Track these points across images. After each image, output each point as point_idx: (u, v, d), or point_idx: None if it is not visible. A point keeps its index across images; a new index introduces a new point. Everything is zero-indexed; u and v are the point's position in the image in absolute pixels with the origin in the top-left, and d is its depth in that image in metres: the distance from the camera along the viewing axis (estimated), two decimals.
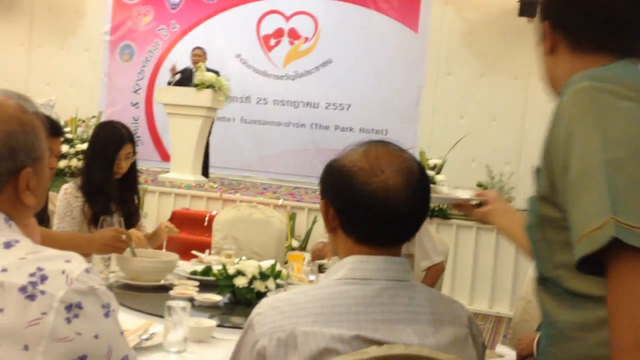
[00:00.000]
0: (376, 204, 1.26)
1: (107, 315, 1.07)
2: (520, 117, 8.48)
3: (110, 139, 3.01)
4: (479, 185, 6.17)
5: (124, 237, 2.44)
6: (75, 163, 6.64)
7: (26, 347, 0.98)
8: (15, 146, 1.12)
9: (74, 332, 1.01)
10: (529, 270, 3.06)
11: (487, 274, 5.94)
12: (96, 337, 1.04)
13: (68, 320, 1.01)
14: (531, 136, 8.42)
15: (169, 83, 7.61)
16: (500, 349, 2.78)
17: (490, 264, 5.94)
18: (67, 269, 1.04)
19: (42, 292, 1.01)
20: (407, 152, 1.35)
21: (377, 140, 1.35)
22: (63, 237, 2.57)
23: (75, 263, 1.06)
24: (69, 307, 1.01)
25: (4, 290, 1.00)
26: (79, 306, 1.02)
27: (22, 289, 1.00)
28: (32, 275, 1.02)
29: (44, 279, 1.02)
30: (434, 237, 3.38)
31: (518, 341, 2.31)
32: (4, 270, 1.02)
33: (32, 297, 1.00)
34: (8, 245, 1.07)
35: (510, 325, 3.41)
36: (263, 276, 2.39)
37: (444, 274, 3.45)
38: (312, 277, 2.42)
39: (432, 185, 1.36)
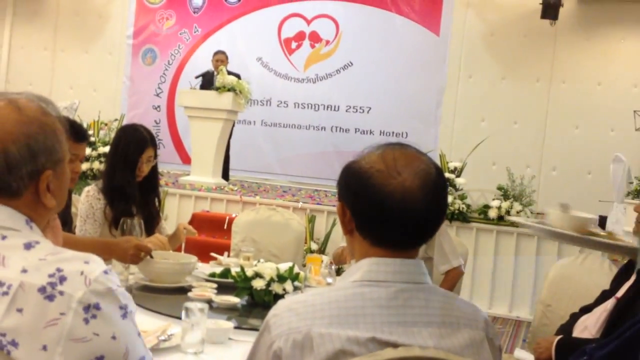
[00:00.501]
0: (392, 206, 1.26)
1: (124, 316, 1.08)
2: (541, 120, 8.42)
3: (133, 142, 3.03)
4: (499, 188, 6.13)
5: (142, 254, 2.46)
6: (98, 166, 6.71)
7: (45, 347, 0.99)
8: (36, 149, 1.13)
9: (91, 333, 1.02)
10: (549, 275, 3.04)
11: (507, 278, 5.90)
12: (114, 337, 1.05)
13: (86, 320, 1.02)
14: (553, 139, 8.36)
15: (200, 76, 7.59)
16: (519, 353, 2.76)
17: (510, 268, 5.89)
18: (85, 270, 1.06)
19: (61, 293, 1.02)
20: (424, 154, 1.35)
21: (395, 143, 1.35)
22: (84, 241, 2.60)
23: (94, 264, 1.08)
24: (87, 308, 1.03)
25: (23, 291, 1.01)
26: (96, 307, 1.03)
27: (42, 290, 1.02)
28: (51, 276, 1.03)
29: (63, 279, 1.03)
30: (453, 240, 3.36)
31: (536, 345, 2.29)
32: (24, 270, 1.03)
33: (51, 298, 1.01)
34: (28, 246, 1.08)
35: (529, 329, 3.38)
36: (281, 278, 2.40)
37: (462, 278, 3.43)
38: (329, 280, 2.43)
39: (564, 205, 1.33)
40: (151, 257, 2.53)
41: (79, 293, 1.03)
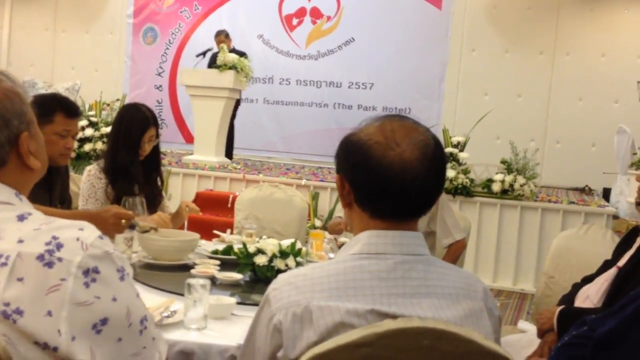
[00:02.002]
0: (391, 177, 1.26)
1: (122, 278, 1.10)
2: (545, 92, 8.38)
3: (134, 122, 3.03)
4: (503, 162, 6.12)
5: (124, 222, 2.41)
6: (101, 146, 6.71)
7: (49, 313, 1.01)
8: (7, 115, 1.14)
9: (93, 296, 1.04)
10: (552, 246, 3.04)
11: (511, 251, 5.91)
12: (114, 299, 1.07)
13: (86, 284, 1.04)
14: (557, 112, 8.32)
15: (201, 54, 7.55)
16: (523, 324, 2.78)
17: (514, 241, 5.90)
18: (81, 236, 1.07)
19: (60, 259, 1.03)
20: (422, 125, 1.34)
21: (393, 115, 1.34)
22: (65, 215, 2.57)
23: (89, 230, 1.09)
24: (86, 272, 1.04)
25: (22, 260, 1.03)
26: (95, 270, 1.05)
27: (40, 257, 1.03)
28: (47, 244, 1.04)
29: (59, 246, 1.04)
30: (455, 214, 3.36)
31: (538, 315, 2.30)
32: (21, 241, 1.05)
33: (50, 265, 1.03)
34: (22, 218, 1.10)
35: (533, 301, 3.40)
36: (283, 254, 2.40)
37: (466, 251, 3.44)
38: (332, 255, 2.43)
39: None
40: (134, 224, 2.47)
41: (77, 258, 1.04)
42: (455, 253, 3.21)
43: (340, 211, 3.46)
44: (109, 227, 2.34)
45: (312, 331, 1.21)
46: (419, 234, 1.33)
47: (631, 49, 8.15)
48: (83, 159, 6.69)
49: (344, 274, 1.26)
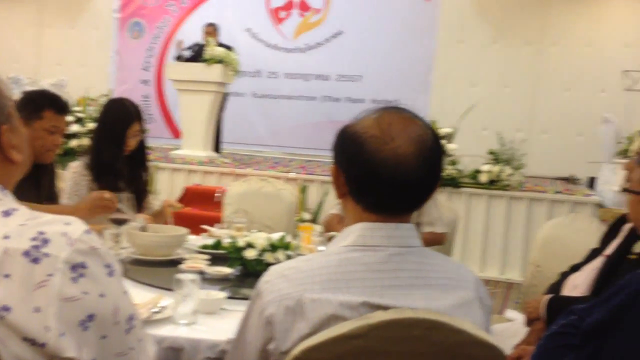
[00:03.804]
0: (385, 172, 1.25)
1: (110, 274, 1.08)
2: (532, 83, 8.42)
3: (118, 117, 3.01)
4: (490, 152, 6.14)
5: (107, 195, 2.41)
6: (87, 142, 6.67)
7: (37, 309, 1.00)
8: None
9: (80, 292, 1.03)
10: (539, 235, 3.07)
11: (498, 241, 5.95)
12: (102, 295, 1.05)
13: (74, 280, 1.02)
14: (543, 102, 8.36)
15: (178, 58, 7.57)
16: (511, 313, 2.80)
17: (501, 231, 5.94)
18: (68, 231, 1.06)
19: (46, 255, 1.02)
20: (421, 119, 1.32)
21: (392, 107, 1.33)
22: (51, 210, 2.57)
23: (75, 225, 1.08)
24: (73, 267, 1.03)
25: (8, 256, 1.01)
26: (83, 266, 1.04)
27: (26, 254, 1.02)
28: (33, 239, 1.03)
29: (46, 242, 1.03)
30: (442, 206, 3.37)
31: (526, 304, 2.31)
32: (7, 237, 1.03)
33: (36, 260, 1.01)
34: (7, 213, 1.08)
35: (520, 290, 3.42)
36: (273, 248, 2.41)
37: (453, 241, 3.44)
38: (321, 248, 2.43)
39: None
40: (127, 215, 2.47)
41: (63, 253, 1.03)
42: (427, 241, 3.19)
43: (332, 207, 3.44)
44: (93, 207, 2.33)
45: (304, 323, 1.22)
46: (411, 226, 1.33)
47: (616, 38, 8.20)
48: (69, 155, 6.65)
49: (337, 266, 1.26)
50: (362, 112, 1.34)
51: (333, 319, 1.21)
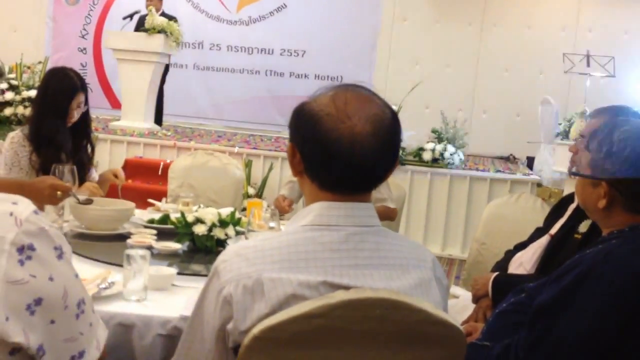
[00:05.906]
0: (340, 151, 1.23)
1: (60, 257, 1.04)
2: (473, 63, 8.54)
3: (62, 88, 2.90)
4: (434, 131, 6.22)
5: (59, 194, 2.31)
6: (22, 110, 6.42)
7: None
8: None
9: (28, 275, 0.98)
10: (484, 214, 3.13)
11: (440, 218, 6.06)
12: (51, 279, 1.01)
13: (21, 262, 0.98)
14: (484, 82, 8.51)
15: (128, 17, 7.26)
16: (455, 289, 2.85)
17: (443, 209, 6.05)
18: (15, 210, 1.01)
19: None
20: (379, 97, 1.30)
21: (349, 84, 1.30)
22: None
23: (23, 205, 1.03)
24: (20, 249, 0.98)
25: None
26: (31, 248, 0.99)
27: None
28: None
29: None
30: (390, 183, 3.40)
31: (473, 282, 2.36)
32: None
33: None
34: None
35: (463, 267, 3.49)
36: (223, 223, 2.38)
37: (400, 217, 3.47)
38: (272, 224, 2.42)
39: None
40: (71, 195, 2.38)
41: (10, 234, 0.98)
42: (380, 215, 3.23)
43: (277, 182, 3.43)
44: (44, 198, 2.24)
45: (263, 303, 1.20)
46: (370, 205, 1.32)
47: (556, 21, 8.39)
48: (3, 123, 6.40)
49: (295, 245, 1.25)
50: (319, 88, 1.31)
51: (292, 299, 1.20)
